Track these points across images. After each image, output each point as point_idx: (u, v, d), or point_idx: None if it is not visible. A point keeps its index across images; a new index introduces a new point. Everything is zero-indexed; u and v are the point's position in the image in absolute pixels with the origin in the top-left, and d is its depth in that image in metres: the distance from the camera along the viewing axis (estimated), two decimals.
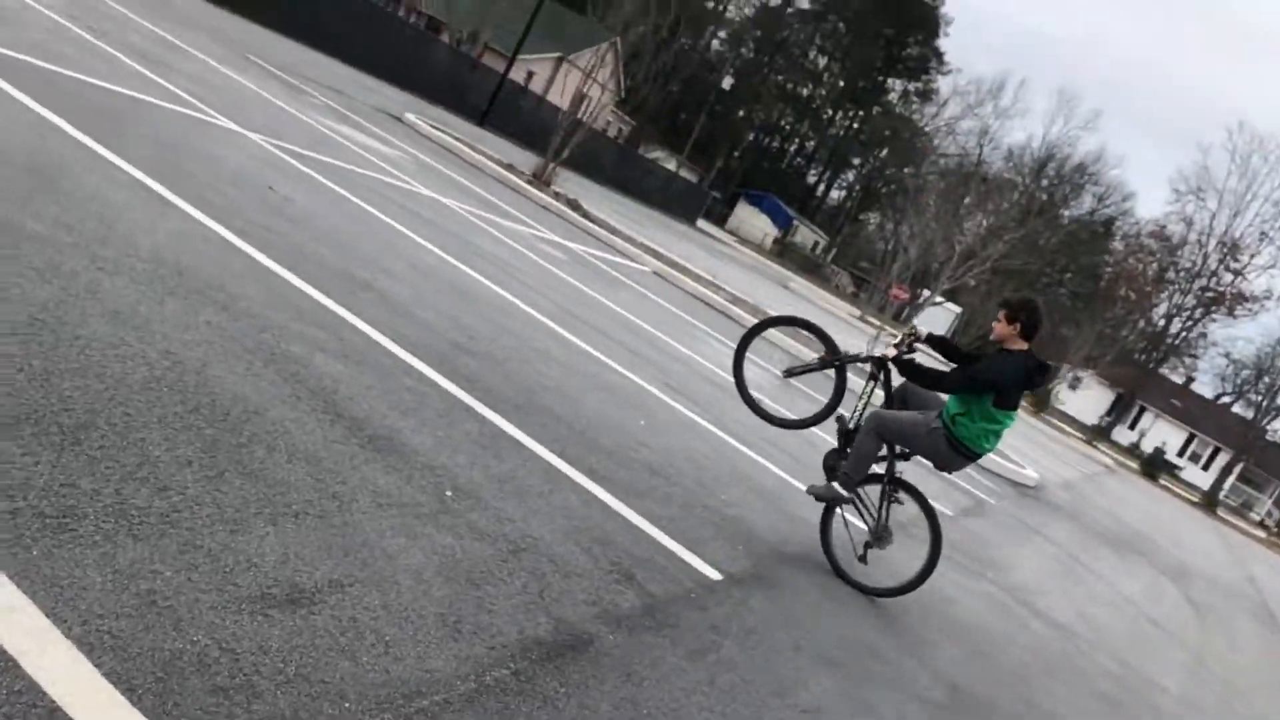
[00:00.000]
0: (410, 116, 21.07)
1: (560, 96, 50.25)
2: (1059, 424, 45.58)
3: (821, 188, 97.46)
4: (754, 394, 6.17)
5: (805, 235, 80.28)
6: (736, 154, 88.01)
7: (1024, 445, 23.13)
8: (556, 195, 19.86)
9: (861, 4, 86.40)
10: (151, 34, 13.16)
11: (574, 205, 19.79)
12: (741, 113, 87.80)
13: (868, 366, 5.68)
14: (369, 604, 2.96)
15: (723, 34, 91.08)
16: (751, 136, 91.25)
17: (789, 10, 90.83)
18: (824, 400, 5.99)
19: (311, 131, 12.14)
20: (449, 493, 4.00)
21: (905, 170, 76.98)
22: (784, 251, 71.57)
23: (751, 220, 76.04)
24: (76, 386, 3.28)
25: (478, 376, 5.72)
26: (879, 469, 5.65)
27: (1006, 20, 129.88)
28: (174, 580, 2.61)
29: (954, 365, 5.50)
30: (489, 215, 13.19)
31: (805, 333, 6.07)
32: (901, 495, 5.63)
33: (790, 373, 6.17)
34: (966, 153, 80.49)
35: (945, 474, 6.06)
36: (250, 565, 2.84)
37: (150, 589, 2.53)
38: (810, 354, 6.03)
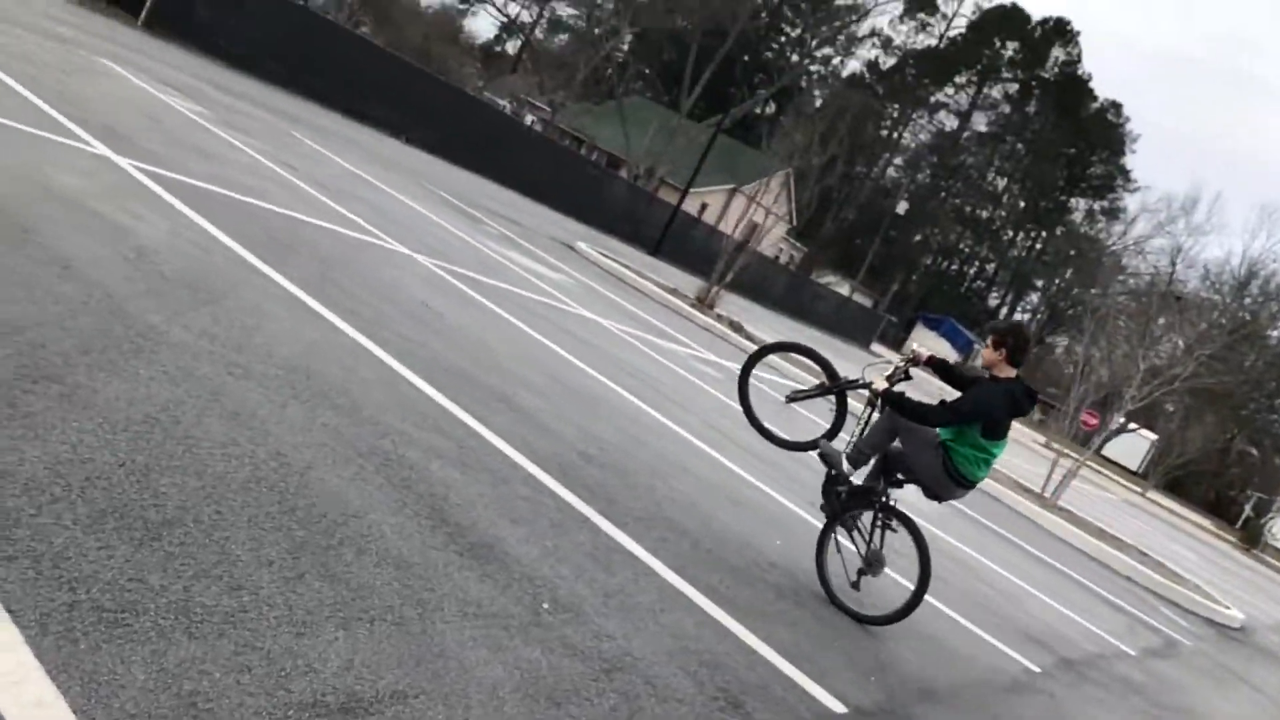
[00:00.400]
0: (582, 245, 21.75)
1: (732, 225, 51.19)
2: (1272, 561, 41.19)
3: (1004, 310, 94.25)
4: (759, 417, 6.31)
5: None
6: (914, 278, 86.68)
7: (1228, 582, 20.89)
8: (719, 317, 19.87)
9: (1041, 125, 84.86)
10: (344, 170, 14.16)
11: (736, 327, 19.72)
12: (918, 237, 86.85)
13: (866, 392, 5.66)
14: (430, 718, 2.75)
15: (898, 160, 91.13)
16: (929, 260, 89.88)
17: (965, 134, 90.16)
18: (827, 425, 6.02)
19: (480, 256, 12.61)
20: (546, 605, 3.78)
21: (1092, 291, 73.61)
22: None
23: (930, 344, 74.18)
24: (174, 483, 3.29)
25: (601, 487, 5.54)
26: (870, 496, 5.68)
27: (1196, 138, 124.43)
28: (222, 682, 2.49)
29: (957, 390, 5.54)
30: (646, 335, 13.24)
31: (806, 359, 6.27)
32: (894, 523, 5.58)
33: (792, 398, 6.24)
34: (1158, 271, 76.32)
35: (937, 503, 5.90)
36: (308, 670, 2.69)
37: (194, 690, 2.41)
38: (813, 380, 6.17)
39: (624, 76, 59.49)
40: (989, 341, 5.37)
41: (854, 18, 73.67)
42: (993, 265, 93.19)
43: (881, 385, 5.45)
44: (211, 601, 2.77)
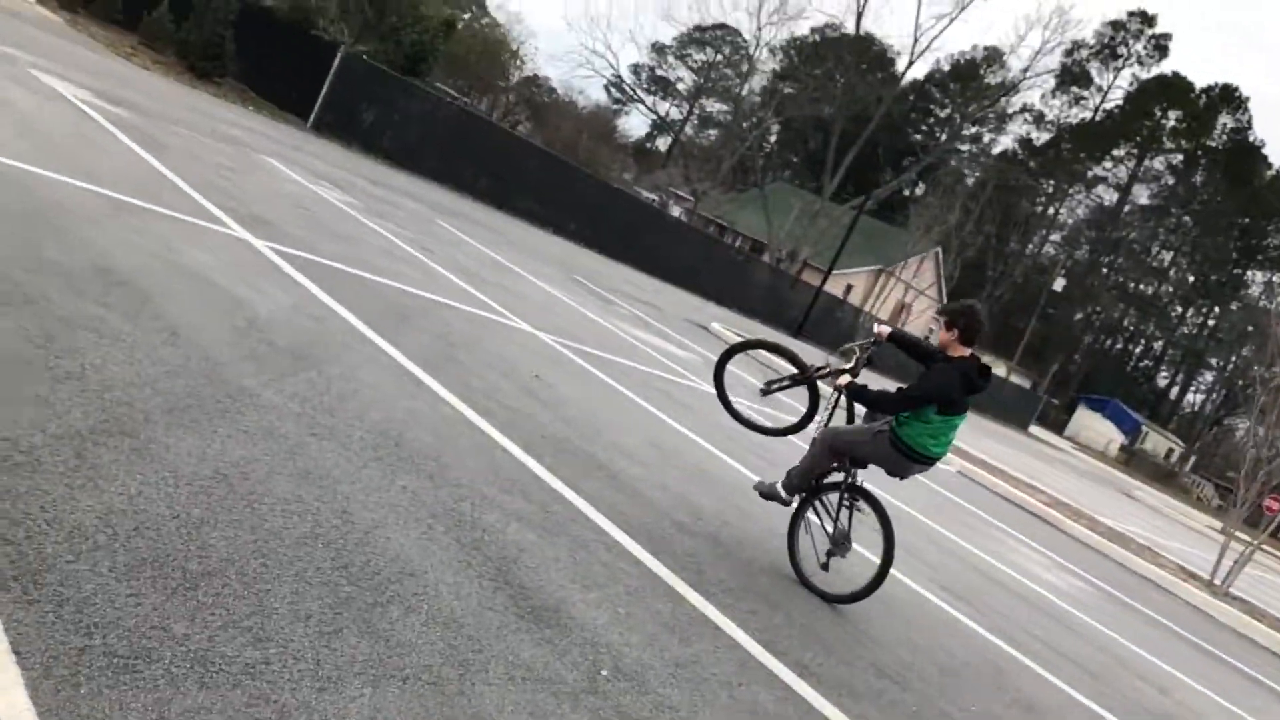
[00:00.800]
0: (716, 325, 21.67)
1: (877, 306, 50.20)
2: None
3: (1175, 390, 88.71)
4: (737, 406, 6.76)
5: (1156, 442, 72.68)
6: (1074, 358, 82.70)
7: None
8: None
9: (1210, 195, 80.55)
10: (483, 255, 14.59)
11: None
12: (1078, 315, 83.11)
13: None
14: None
15: (1054, 236, 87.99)
16: (1090, 339, 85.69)
17: (1126, 208, 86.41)
18: (803, 410, 6.29)
19: (605, 334, 12.67)
20: (604, 672, 3.55)
21: (1273, 369, 68.47)
22: (1131, 459, 64.99)
23: (1093, 426, 70.28)
24: (224, 537, 3.27)
25: (691, 557, 5.29)
26: (837, 477, 5.81)
27: None
28: None
29: (922, 363, 5.74)
30: (767, 409, 12.92)
31: (773, 356, 6.90)
32: (861, 504, 5.67)
33: (767, 389, 6.37)
34: None
35: (899, 479, 5.93)
36: None
37: None
38: (788, 369, 6.29)
39: (768, 164, 60.06)
40: (942, 324, 5.54)
41: (1004, 94, 72.31)
42: (1160, 343, 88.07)
43: (845, 381, 5.77)
44: (234, 652, 2.69)
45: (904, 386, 5.55)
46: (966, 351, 5.46)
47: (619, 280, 22.50)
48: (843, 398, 5.93)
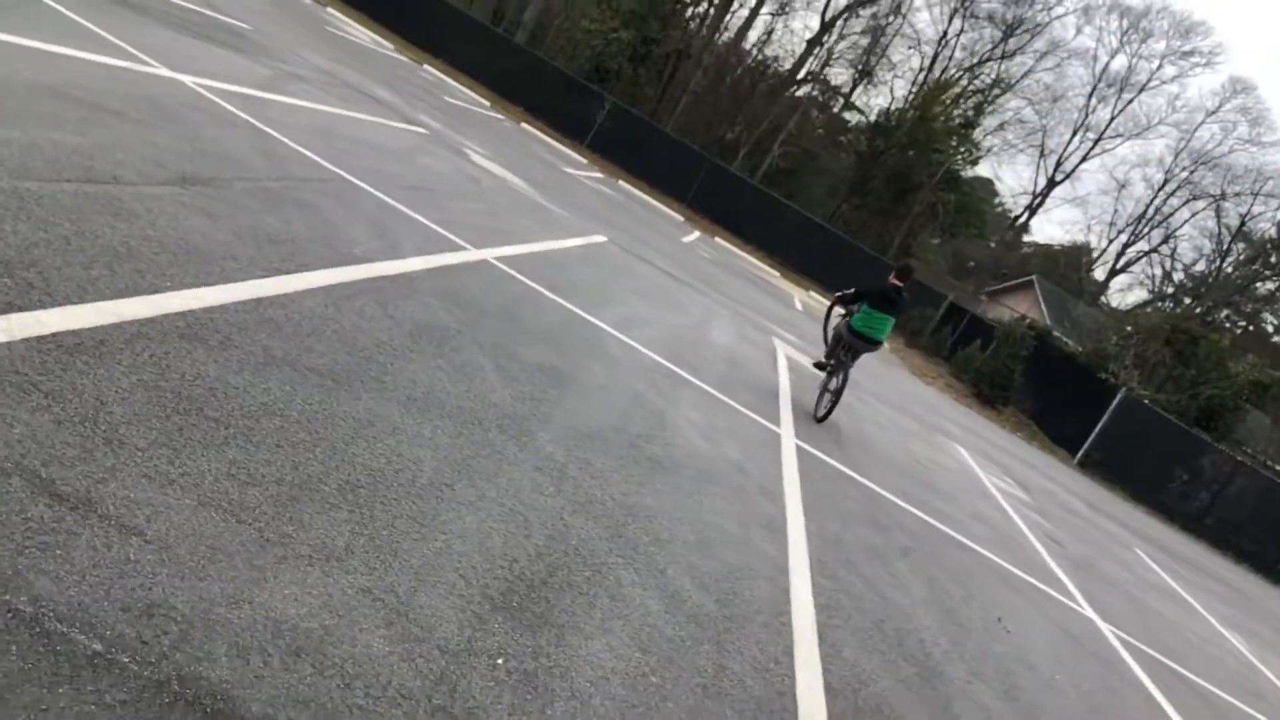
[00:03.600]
0: None
1: None
2: None
3: None
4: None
5: None
6: None
7: None
8: None
9: None
10: (1162, 585, 12.90)
11: None
12: None
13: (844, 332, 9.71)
14: None
15: None
16: None
17: None
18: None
19: (1224, 665, 10.07)
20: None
21: None
22: None
23: None
24: None
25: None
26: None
27: None
28: None
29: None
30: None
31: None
32: (845, 375, 9.52)
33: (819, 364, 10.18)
34: None
35: (857, 355, 9.49)
36: None
37: None
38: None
39: None
40: (894, 273, 9.46)
41: None
42: None
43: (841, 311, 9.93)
44: None
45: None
46: (899, 283, 9.31)
47: None
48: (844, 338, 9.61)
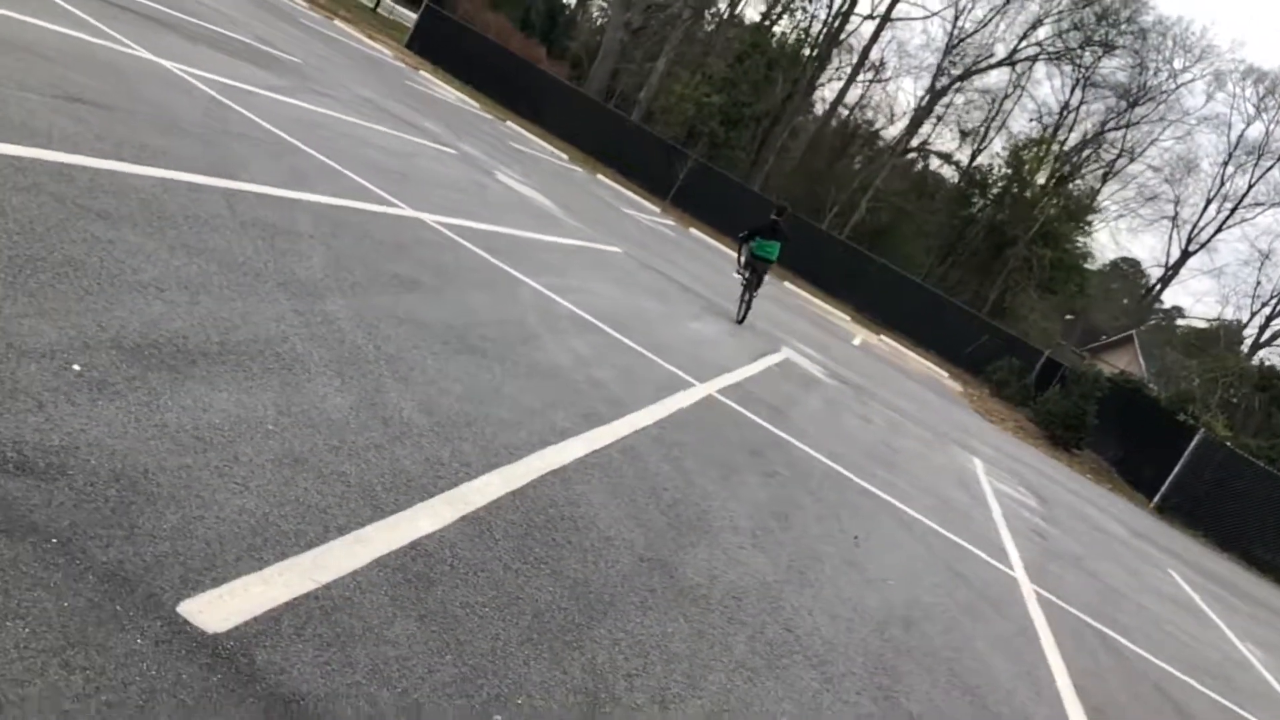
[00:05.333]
0: None
1: None
2: None
3: None
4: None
5: None
6: None
7: None
8: None
9: None
10: None
11: None
12: None
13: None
14: None
15: None
16: None
17: None
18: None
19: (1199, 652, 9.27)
20: None
21: None
22: None
23: None
24: None
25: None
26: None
27: None
28: None
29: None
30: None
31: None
32: (755, 286, 13.71)
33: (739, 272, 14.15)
34: None
35: (759, 272, 13.57)
36: None
37: None
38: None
39: None
40: (774, 212, 14.10)
41: None
42: None
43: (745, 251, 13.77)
44: None
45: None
46: (777, 218, 13.72)
47: None
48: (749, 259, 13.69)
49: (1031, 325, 39.97)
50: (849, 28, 45.67)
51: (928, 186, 45.83)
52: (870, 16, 45.20)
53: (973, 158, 45.61)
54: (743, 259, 13.95)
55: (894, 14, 48.90)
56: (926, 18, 57.28)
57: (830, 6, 45.71)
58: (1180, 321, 60.78)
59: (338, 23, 27.82)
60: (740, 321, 13.36)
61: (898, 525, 7.54)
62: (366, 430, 3.99)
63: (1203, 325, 57.55)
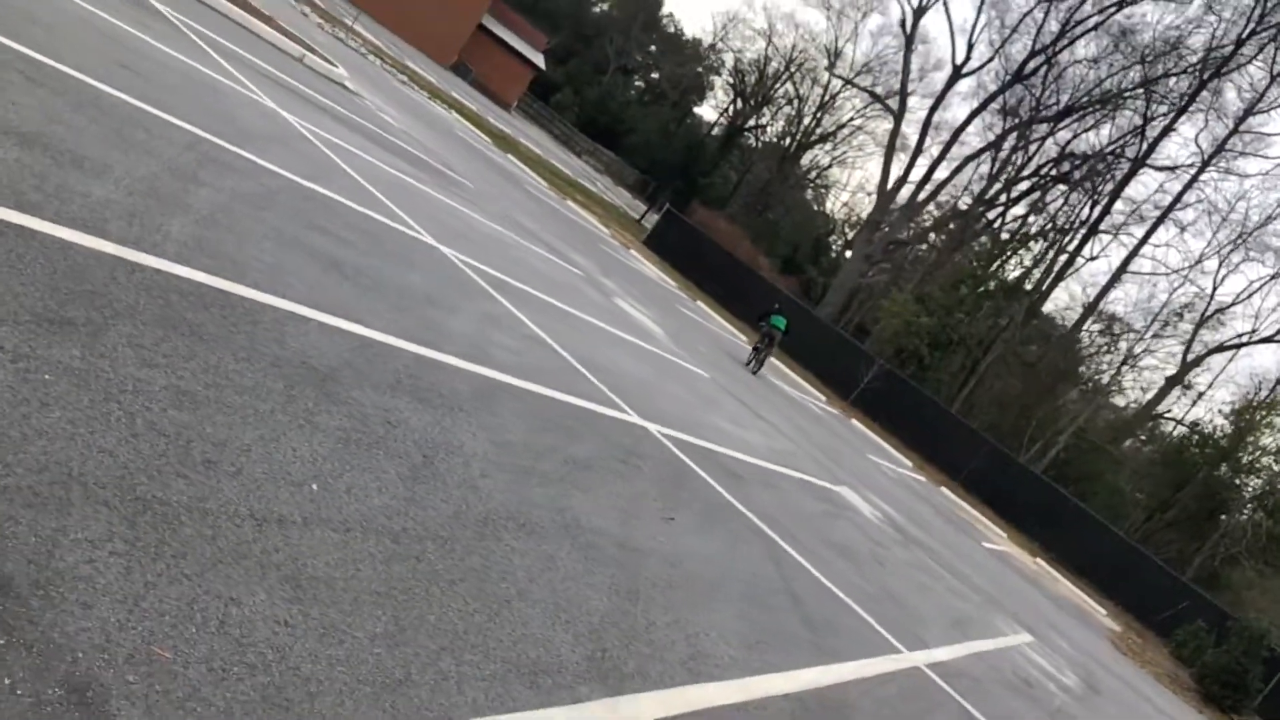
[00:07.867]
0: None
1: None
2: None
3: None
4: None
5: None
6: None
7: None
8: None
9: None
10: None
11: None
12: None
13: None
14: None
15: None
16: None
17: None
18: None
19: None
20: None
21: None
22: None
23: None
24: None
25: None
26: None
27: None
28: None
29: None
30: None
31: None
32: (764, 357, 21.25)
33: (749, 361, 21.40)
34: None
35: (771, 340, 20.96)
36: None
37: None
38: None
39: None
40: (775, 304, 22.63)
41: None
42: None
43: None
44: None
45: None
46: (778, 305, 22.05)
47: None
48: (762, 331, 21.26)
49: (1248, 602, 36.27)
50: (1074, 266, 45.84)
51: (1130, 426, 43.65)
52: (1094, 258, 45.14)
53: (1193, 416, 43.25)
54: (760, 331, 21.11)
55: (1130, 266, 48.61)
56: (1169, 274, 55.96)
57: (1059, 244, 46.27)
58: None
59: (633, 252, 32.03)
60: (753, 372, 20.64)
61: None
62: None
63: None
